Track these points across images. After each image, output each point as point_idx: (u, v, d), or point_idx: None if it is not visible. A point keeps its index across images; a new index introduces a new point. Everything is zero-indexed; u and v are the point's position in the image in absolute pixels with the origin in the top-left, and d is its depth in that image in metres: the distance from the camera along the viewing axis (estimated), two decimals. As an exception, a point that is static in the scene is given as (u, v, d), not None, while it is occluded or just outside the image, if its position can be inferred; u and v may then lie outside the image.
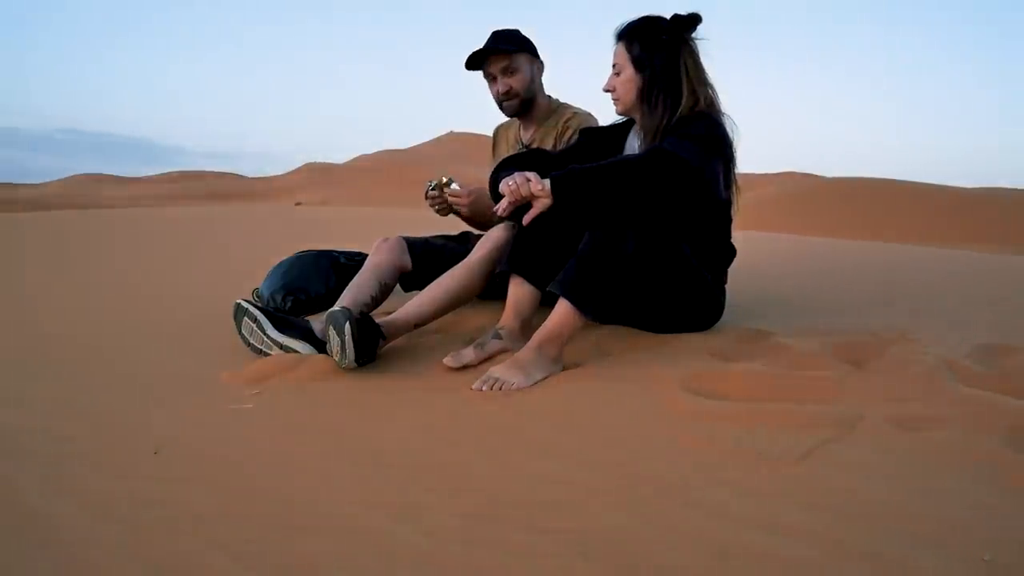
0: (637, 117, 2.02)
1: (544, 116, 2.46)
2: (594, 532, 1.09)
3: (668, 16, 1.95)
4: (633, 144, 2.07)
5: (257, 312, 1.98)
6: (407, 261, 2.33)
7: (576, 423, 1.51)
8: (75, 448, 1.47)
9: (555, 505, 1.18)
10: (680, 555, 1.02)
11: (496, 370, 1.77)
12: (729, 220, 2.06)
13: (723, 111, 1.95)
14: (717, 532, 1.07)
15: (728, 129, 1.92)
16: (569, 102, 2.50)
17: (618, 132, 2.15)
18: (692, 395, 1.59)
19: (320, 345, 2.00)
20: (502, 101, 2.41)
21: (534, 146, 2.45)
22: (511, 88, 2.36)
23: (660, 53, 1.93)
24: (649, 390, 1.65)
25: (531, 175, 1.78)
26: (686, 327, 2.07)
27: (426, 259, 2.37)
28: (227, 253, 4.68)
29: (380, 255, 2.29)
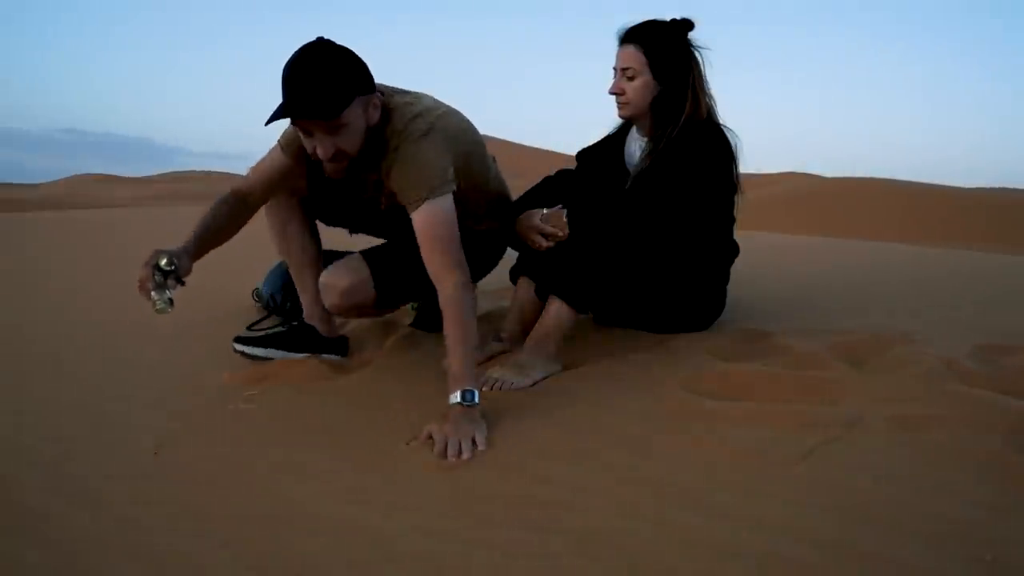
0: (643, 122, 2.00)
1: (374, 154, 1.69)
2: (594, 532, 1.09)
3: (667, 19, 1.94)
4: (632, 148, 2.06)
5: (256, 350, 2.00)
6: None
7: (576, 423, 1.51)
8: (75, 448, 1.47)
9: (555, 505, 1.18)
10: (680, 555, 1.02)
11: (495, 370, 1.77)
12: (732, 219, 2.06)
13: (721, 121, 1.95)
14: (717, 532, 1.07)
15: (730, 141, 1.93)
16: (398, 99, 1.70)
17: (614, 143, 2.13)
18: (692, 395, 1.59)
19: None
20: (322, 161, 1.65)
21: None
22: (339, 150, 1.60)
23: (676, 61, 1.92)
24: (649, 390, 1.65)
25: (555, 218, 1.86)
26: (686, 324, 2.07)
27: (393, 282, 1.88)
28: (227, 253, 4.67)
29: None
